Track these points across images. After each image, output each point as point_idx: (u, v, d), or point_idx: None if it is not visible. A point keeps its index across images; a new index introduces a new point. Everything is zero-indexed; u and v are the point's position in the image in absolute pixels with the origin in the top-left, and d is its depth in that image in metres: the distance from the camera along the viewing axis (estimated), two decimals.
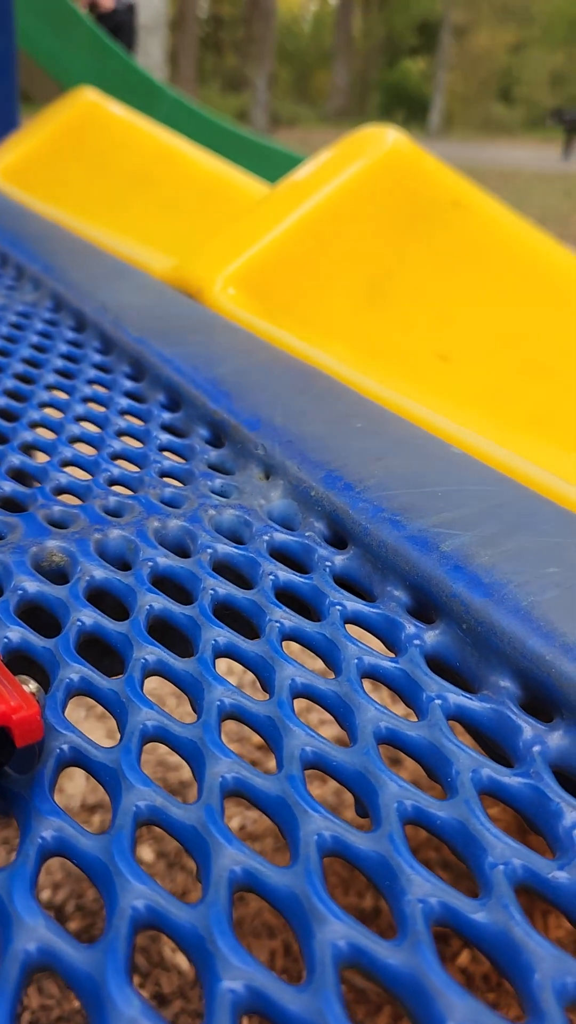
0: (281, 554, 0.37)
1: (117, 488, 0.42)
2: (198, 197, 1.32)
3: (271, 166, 2.34)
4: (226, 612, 0.34)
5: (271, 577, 0.35)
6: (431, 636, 0.32)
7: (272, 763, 0.99)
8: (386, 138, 0.81)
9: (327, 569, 0.36)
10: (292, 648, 0.33)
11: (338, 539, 0.39)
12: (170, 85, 4.29)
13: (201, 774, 0.26)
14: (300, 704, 1.04)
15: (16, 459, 0.44)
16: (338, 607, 0.33)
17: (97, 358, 0.59)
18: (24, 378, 0.56)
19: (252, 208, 0.81)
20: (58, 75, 3.41)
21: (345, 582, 0.36)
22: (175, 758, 1.09)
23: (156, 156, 1.36)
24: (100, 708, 1.03)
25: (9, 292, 0.73)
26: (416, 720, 0.28)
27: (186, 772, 1.07)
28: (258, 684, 0.31)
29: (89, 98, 1.35)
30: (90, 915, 0.90)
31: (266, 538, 0.38)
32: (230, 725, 0.99)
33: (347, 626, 0.32)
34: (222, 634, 0.31)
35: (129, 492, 0.42)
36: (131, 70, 3.50)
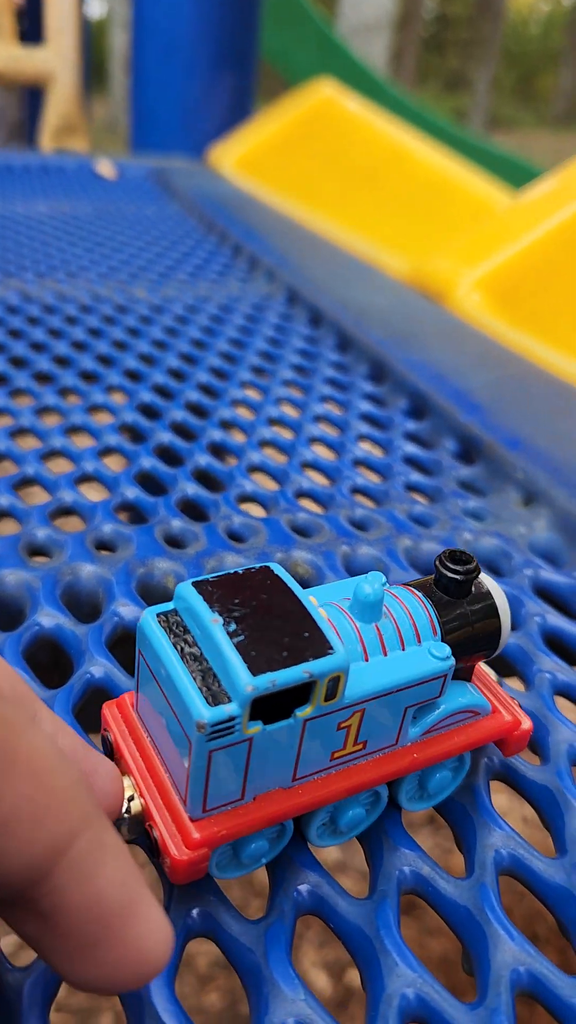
0: (546, 593, 0.33)
1: (360, 498, 0.40)
2: (428, 196, 1.29)
3: (488, 169, 2.27)
4: None
5: (537, 619, 0.31)
6: None
7: None
8: None
9: None
10: (562, 704, 0.29)
11: None
12: (392, 82, 4.27)
13: None
14: None
15: (256, 456, 0.43)
16: None
17: (334, 356, 0.57)
18: (259, 371, 0.55)
19: (503, 213, 0.77)
20: (282, 69, 3.46)
21: None
22: None
23: (387, 153, 1.34)
24: None
25: (242, 284, 0.73)
26: None
27: None
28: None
29: (327, 92, 1.34)
30: None
31: (528, 573, 0.34)
32: None
33: None
34: None
35: (373, 504, 0.39)
36: (354, 66, 3.51)
